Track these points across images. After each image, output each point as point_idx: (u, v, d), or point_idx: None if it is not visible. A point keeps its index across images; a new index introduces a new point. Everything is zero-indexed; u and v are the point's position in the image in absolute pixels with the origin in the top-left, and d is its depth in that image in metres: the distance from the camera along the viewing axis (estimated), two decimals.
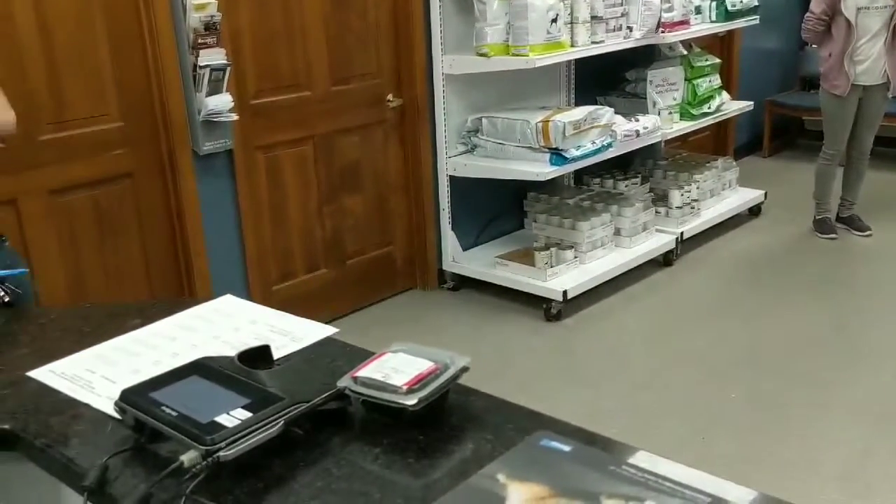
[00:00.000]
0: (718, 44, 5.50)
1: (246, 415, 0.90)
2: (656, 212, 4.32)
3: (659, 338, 3.56)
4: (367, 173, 3.82)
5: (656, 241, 4.21)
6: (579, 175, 4.58)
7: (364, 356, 1.05)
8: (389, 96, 3.82)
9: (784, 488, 2.48)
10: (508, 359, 3.42)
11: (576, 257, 3.91)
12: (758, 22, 4.70)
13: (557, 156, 3.65)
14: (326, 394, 0.96)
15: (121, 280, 3.06)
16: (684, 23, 4.14)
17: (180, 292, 3.22)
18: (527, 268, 3.84)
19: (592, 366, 3.35)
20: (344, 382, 0.98)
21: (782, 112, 6.15)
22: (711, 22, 4.42)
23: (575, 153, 3.68)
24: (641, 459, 0.92)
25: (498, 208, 4.34)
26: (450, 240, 4.04)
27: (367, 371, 0.99)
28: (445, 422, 0.99)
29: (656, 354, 3.40)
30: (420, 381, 0.95)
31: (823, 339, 3.42)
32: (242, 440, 0.87)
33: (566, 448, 0.92)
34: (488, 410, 1.02)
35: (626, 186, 4.44)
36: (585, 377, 3.25)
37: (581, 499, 0.84)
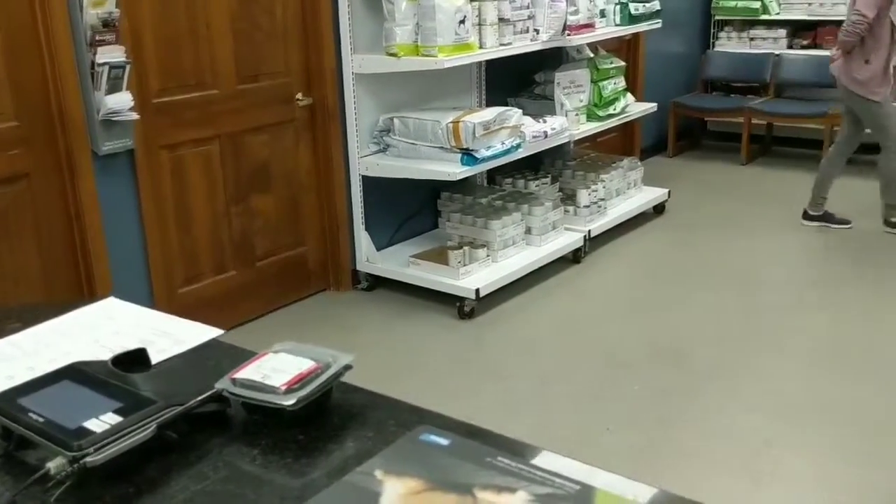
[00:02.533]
0: (624, 47, 5.66)
1: (116, 419, 0.88)
2: (565, 210, 4.41)
3: (569, 333, 3.63)
4: (277, 173, 3.78)
5: (566, 240, 4.30)
6: (492, 175, 4.64)
7: (249, 357, 1.04)
8: (299, 95, 3.78)
9: (685, 478, 2.57)
10: (421, 357, 3.44)
11: (488, 256, 3.96)
12: (660, 26, 4.84)
13: (468, 156, 3.69)
14: (202, 396, 0.95)
15: (17, 284, 2.94)
16: (589, 26, 4.24)
17: (80, 296, 3.13)
18: (440, 267, 3.87)
19: (504, 361, 3.39)
20: (222, 384, 0.97)
21: (686, 113, 6.36)
22: (616, 25, 4.54)
23: (485, 153, 3.72)
24: (518, 452, 0.94)
25: (412, 208, 4.36)
26: (363, 240, 4.03)
27: (246, 372, 0.98)
28: (327, 420, 0.99)
29: (566, 349, 3.47)
30: (300, 381, 0.95)
31: (726, 333, 3.55)
32: (111, 445, 0.85)
33: (445, 442, 0.94)
34: (371, 407, 1.02)
35: (537, 186, 4.52)
36: (497, 373, 3.29)
37: (455, 491, 0.85)
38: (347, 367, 1.01)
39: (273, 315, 3.83)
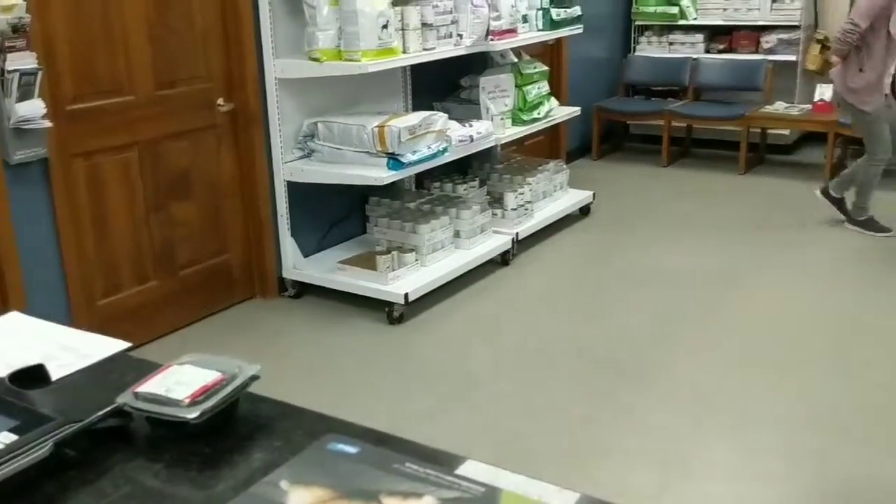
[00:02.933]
0: (548, 52, 5.74)
1: (11, 438, 0.85)
2: (493, 214, 4.45)
3: (498, 335, 3.66)
4: (199, 180, 3.72)
5: (494, 242, 4.33)
6: (420, 179, 4.66)
7: (154, 370, 1.02)
8: (220, 100, 3.73)
9: (609, 476, 2.62)
10: (350, 363, 3.42)
11: (417, 260, 3.96)
12: (581, 31, 4.93)
13: (394, 160, 3.69)
14: (103, 411, 0.93)
15: None
16: (512, 31, 4.29)
17: None
18: (368, 272, 3.86)
19: (434, 365, 3.40)
20: (123, 398, 0.95)
21: (609, 117, 6.49)
22: (538, 30, 4.60)
23: (411, 158, 3.73)
24: (428, 457, 0.94)
25: (339, 213, 4.33)
26: (289, 246, 3.99)
27: (150, 385, 0.96)
28: (234, 432, 0.98)
29: (495, 352, 3.50)
30: (204, 393, 0.94)
31: (651, 332, 3.63)
32: (6, 464, 0.83)
33: (353, 450, 0.94)
34: (279, 417, 1.01)
35: (465, 190, 4.55)
36: (427, 377, 3.29)
37: (361, 498, 0.85)
38: (254, 378, 1.00)
39: (198, 325, 3.75)
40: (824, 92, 5.79)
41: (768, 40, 6.22)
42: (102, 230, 3.34)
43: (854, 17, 4.27)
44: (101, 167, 3.32)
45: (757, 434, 2.81)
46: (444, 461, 0.95)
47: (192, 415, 0.91)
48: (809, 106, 5.89)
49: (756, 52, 6.28)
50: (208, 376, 0.97)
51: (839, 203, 4.75)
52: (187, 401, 0.93)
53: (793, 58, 6.14)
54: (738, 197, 5.55)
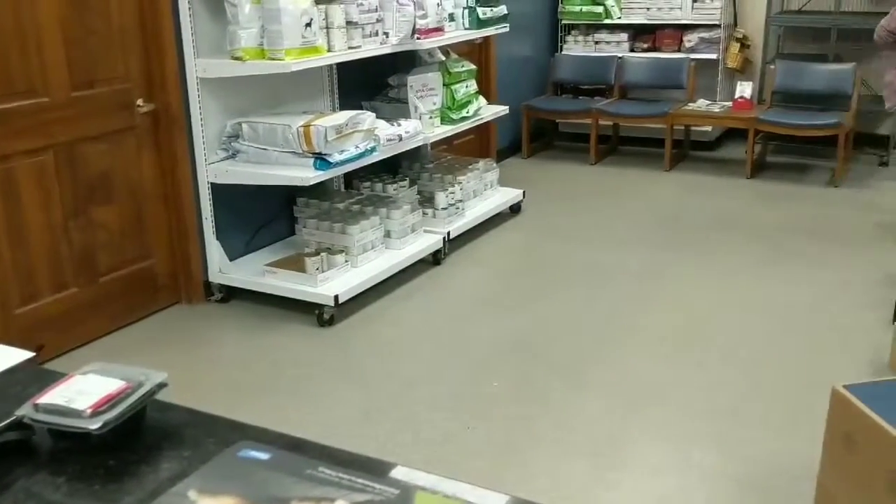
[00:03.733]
0: (476, 51, 5.76)
1: None
2: (424, 213, 4.45)
3: (430, 335, 3.66)
4: (119, 183, 3.61)
5: (425, 242, 4.33)
6: (349, 179, 4.62)
7: (58, 380, 0.98)
8: (140, 101, 3.63)
9: (542, 468, 2.64)
10: (280, 368, 3.37)
11: (347, 261, 3.93)
12: (508, 30, 4.96)
13: (321, 160, 3.65)
14: (2, 424, 0.89)
15: None
16: (439, 30, 4.29)
17: None
18: (297, 274, 3.81)
19: (366, 367, 3.37)
20: (23, 411, 0.91)
21: (538, 115, 6.55)
22: (465, 29, 4.62)
23: (339, 157, 3.69)
24: (343, 461, 0.93)
25: (267, 215, 4.27)
26: (215, 250, 3.91)
27: (51, 396, 0.92)
28: (141, 442, 0.95)
29: (428, 351, 3.50)
30: (107, 403, 0.91)
31: (582, 326, 3.67)
32: None
33: (264, 456, 0.91)
34: (189, 425, 0.98)
35: (395, 189, 4.53)
36: (359, 379, 3.27)
37: None
38: (161, 386, 0.97)
39: (121, 333, 3.65)
40: (745, 89, 5.97)
41: (690, 39, 6.37)
42: (18, 236, 3.22)
43: (888, 20, 4.36)
44: (15, 171, 3.19)
45: (686, 423, 2.87)
46: (364, 466, 0.94)
47: (95, 426, 0.88)
48: (730, 103, 6.05)
49: (679, 50, 6.42)
50: (112, 385, 0.94)
51: None
52: (89, 411, 0.89)
53: (714, 56, 6.30)
54: (665, 192, 5.66)
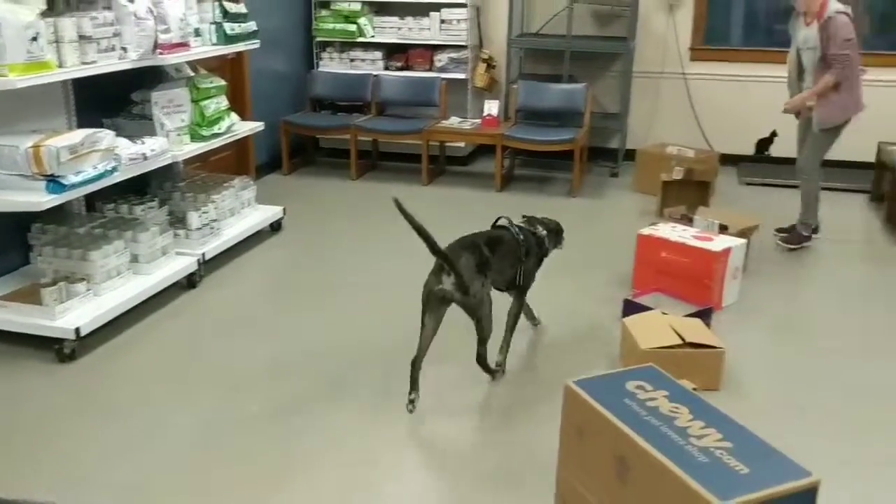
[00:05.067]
0: (228, 66, 5.64)
1: None
2: (175, 234, 4.26)
3: (186, 361, 3.51)
4: None
5: (178, 265, 4.15)
6: (92, 201, 4.32)
7: None
8: None
9: (303, 485, 2.62)
10: (16, 411, 3.08)
11: (89, 290, 3.67)
12: (259, 46, 4.90)
13: (55, 183, 3.39)
14: None
15: None
16: (184, 45, 4.14)
17: None
18: (32, 307, 3.50)
19: (116, 402, 3.17)
20: None
21: (297, 131, 6.53)
22: (213, 45, 4.49)
23: (75, 179, 3.45)
24: None
25: None
26: None
27: None
28: None
29: (184, 378, 3.35)
30: None
31: (343, 343, 3.69)
32: None
33: None
34: None
35: (143, 211, 4.30)
36: (109, 415, 3.06)
37: None
38: None
39: None
40: (492, 107, 6.33)
41: (440, 59, 6.65)
42: None
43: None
44: None
45: (441, 425, 2.98)
46: None
47: None
48: (480, 120, 6.38)
49: (430, 69, 6.68)
50: None
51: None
52: None
53: (463, 76, 6.62)
54: (423, 206, 5.82)
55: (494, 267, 3.20)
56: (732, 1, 6.96)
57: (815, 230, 4.98)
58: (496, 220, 3.50)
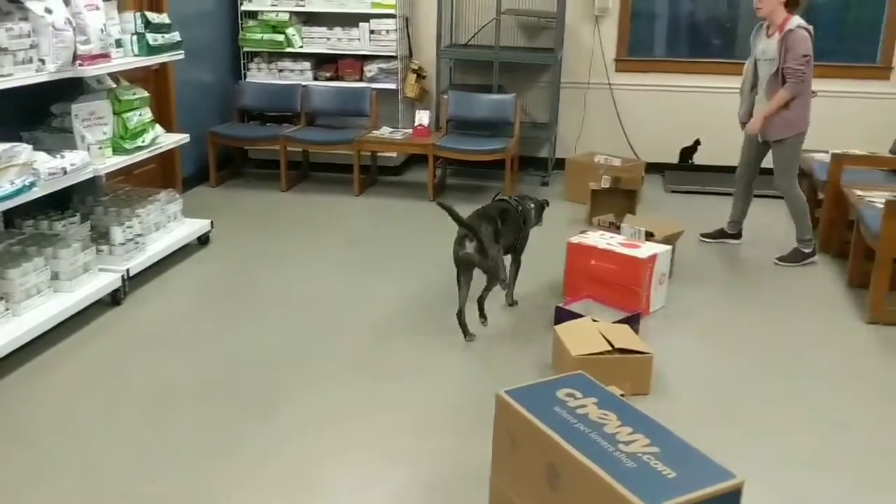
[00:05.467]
0: (153, 77, 5.52)
1: None
2: (98, 250, 4.15)
3: (111, 381, 3.40)
4: None
5: (101, 281, 4.03)
6: (10, 217, 4.16)
7: None
8: None
9: (221, 502, 2.58)
10: None
11: (8, 310, 3.54)
12: (183, 56, 4.81)
13: None
14: None
15: None
16: (105, 56, 4.04)
17: None
18: None
19: (36, 427, 3.05)
20: None
21: (225, 143, 6.43)
22: (135, 56, 4.40)
23: None
24: None
25: None
26: None
27: None
28: None
29: (108, 399, 3.25)
30: None
31: (274, 356, 3.64)
32: None
33: None
34: None
35: (64, 226, 4.17)
36: (27, 442, 2.94)
37: None
38: None
39: None
40: (423, 117, 6.34)
41: (370, 69, 6.64)
42: None
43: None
44: None
45: (377, 441, 2.96)
46: None
47: None
48: (411, 131, 6.39)
49: (360, 80, 6.67)
50: None
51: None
52: None
53: (393, 86, 6.63)
54: (356, 217, 5.83)
55: (504, 235, 3.89)
56: (656, 13, 7.15)
57: (814, 250, 4.99)
58: (496, 195, 4.32)
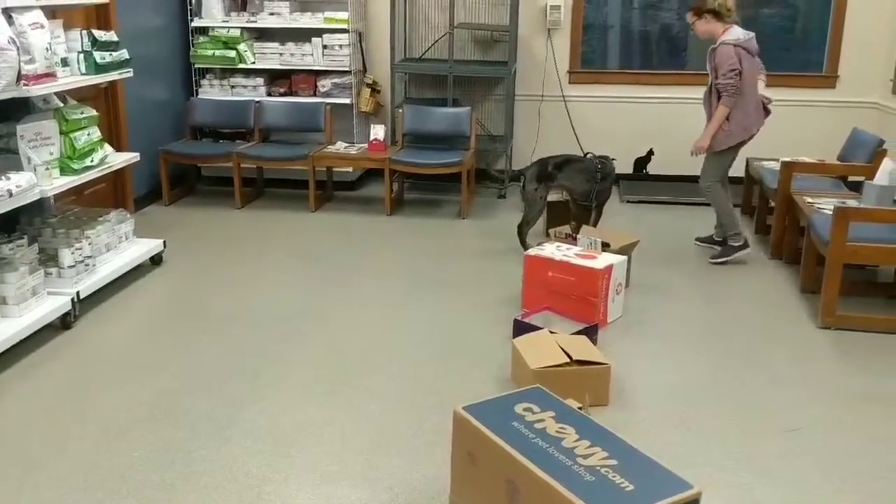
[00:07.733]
0: (102, 96, 5.43)
1: None
2: (47, 273, 4.05)
3: (59, 409, 3.31)
4: None
5: (50, 305, 3.94)
6: None
7: None
8: None
9: None
10: None
11: None
12: (132, 74, 4.74)
13: None
14: None
15: None
16: (50, 75, 3.96)
17: None
18: None
19: None
20: None
21: (177, 160, 6.34)
22: (82, 74, 4.31)
23: None
24: None
25: None
26: None
27: None
28: None
29: (56, 428, 3.16)
30: None
31: (227, 377, 3.57)
32: None
33: None
34: None
35: (11, 250, 4.05)
36: None
37: None
38: None
39: None
40: (378, 132, 6.32)
41: (324, 84, 6.61)
42: None
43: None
44: None
45: (332, 462, 2.93)
46: None
47: None
48: (367, 145, 6.37)
49: (314, 95, 6.63)
50: None
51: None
52: None
53: (348, 101, 6.60)
54: (312, 233, 5.78)
55: (560, 179, 5.07)
56: (608, 25, 7.24)
57: (746, 243, 5.13)
58: (585, 154, 5.37)
